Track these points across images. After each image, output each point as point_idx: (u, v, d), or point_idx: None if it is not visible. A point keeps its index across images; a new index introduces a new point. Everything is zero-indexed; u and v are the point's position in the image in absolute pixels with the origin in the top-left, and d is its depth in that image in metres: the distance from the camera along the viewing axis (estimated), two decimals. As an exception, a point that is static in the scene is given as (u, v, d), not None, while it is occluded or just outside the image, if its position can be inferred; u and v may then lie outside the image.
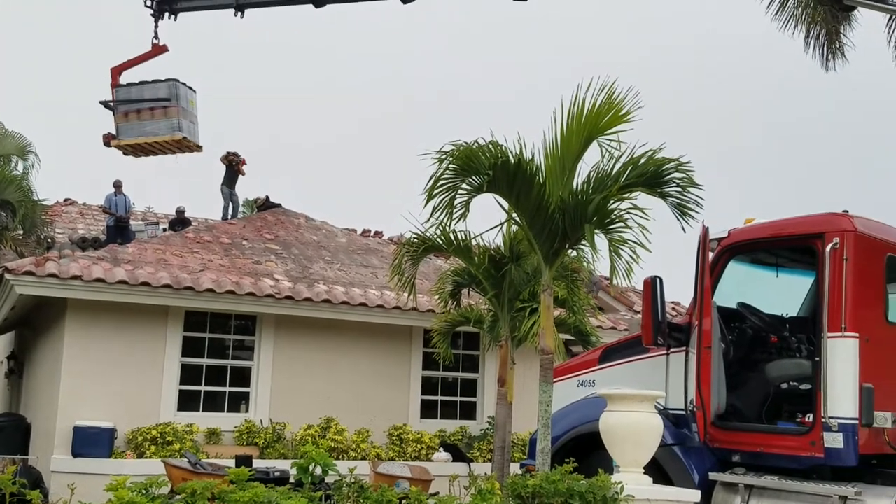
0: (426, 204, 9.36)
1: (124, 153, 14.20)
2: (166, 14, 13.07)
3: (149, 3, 13.13)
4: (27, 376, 18.89)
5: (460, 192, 9.40)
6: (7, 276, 14.35)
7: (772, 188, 64.15)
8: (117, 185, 19.51)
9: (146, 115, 13.74)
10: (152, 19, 13.26)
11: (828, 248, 8.08)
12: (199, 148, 14.25)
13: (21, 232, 20.56)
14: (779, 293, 9.71)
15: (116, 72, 13.89)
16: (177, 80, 13.73)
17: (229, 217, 20.27)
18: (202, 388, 15.16)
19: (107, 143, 14.14)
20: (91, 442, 13.71)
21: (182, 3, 12.81)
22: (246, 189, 20.84)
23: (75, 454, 13.64)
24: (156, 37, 13.40)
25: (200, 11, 12.79)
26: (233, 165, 20.49)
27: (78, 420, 13.83)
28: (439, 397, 16.86)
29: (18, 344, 20.31)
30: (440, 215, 9.46)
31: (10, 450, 15.30)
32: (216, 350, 15.42)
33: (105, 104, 14.00)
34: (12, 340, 20.98)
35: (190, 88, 13.93)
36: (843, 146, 68.74)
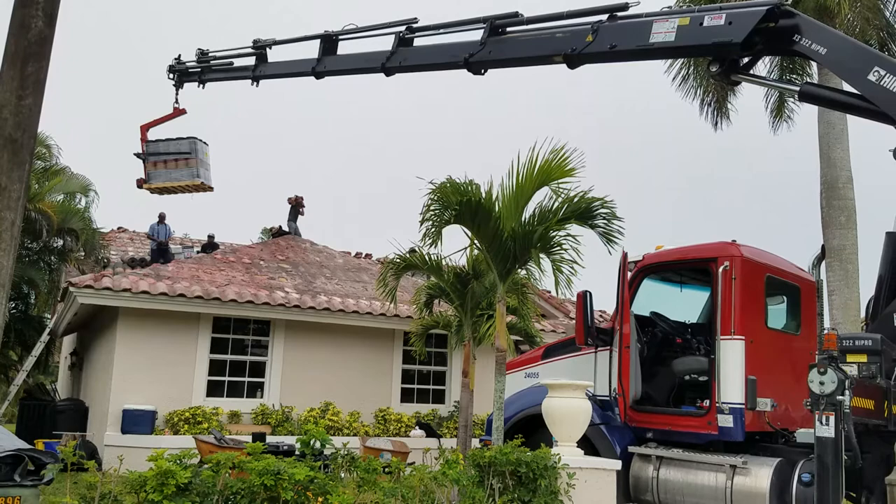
0: (420, 227, 9.28)
1: (151, 193, 14.06)
2: (195, 83, 12.86)
3: (171, 76, 12.96)
4: (86, 369, 18.57)
5: (441, 221, 9.34)
6: (71, 288, 14.16)
7: (676, 220, 64.88)
8: (161, 217, 19.29)
9: (171, 165, 13.69)
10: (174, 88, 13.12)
11: (720, 270, 8.10)
12: (211, 189, 14.18)
13: (83, 254, 20.26)
14: (682, 304, 9.72)
15: (145, 129, 13.80)
16: (195, 138, 13.74)
17: None
18: (226, 378, 14.94)
19: (139, 186, 14.01)
20: (137, 421, 13.50)
21: (207, 75, 12.62)
22: (264, 219, 20.60)
23: (124, 431, 13.41)
24: (176, 102, 13.29)
25: (222, 81, 12.57)
26: (297, 205, 20.44)
27: (126, 404, 13.62)
28: (415, 386, 16.72)
29: (79, 343, 19.98)
30: (429, 241, 9.41)
31: (71, 427, 15.02)
32: (238, 348, 15.22)
33: (137, 155, 13.87)
34: (74, 340, 20.64)
35: (205, 143, 13.90)
36: (733, 187, 69.80)
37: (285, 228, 20.57)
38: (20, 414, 17.83)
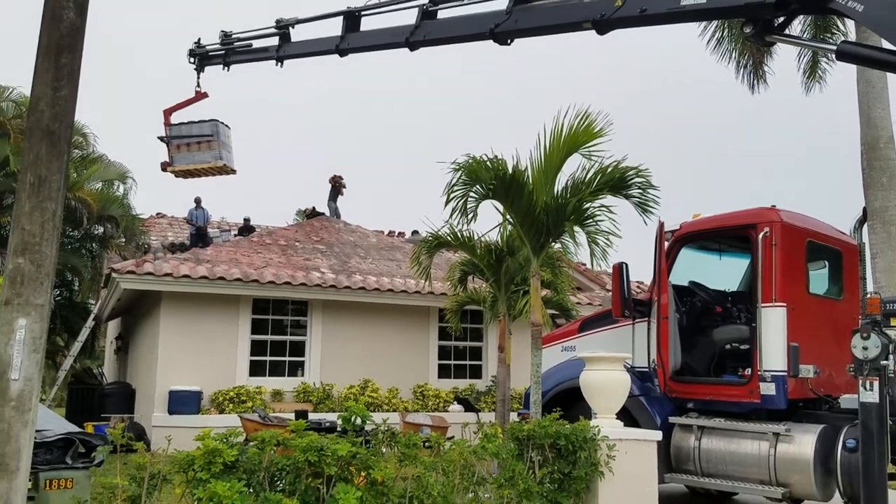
0: (445, 206, 9.15)
1: (175, 176, 14.13)
2: (220, 66, 12.80)
3: (191, 61, 12.95)
4: (131, 352, 18.95)
5: (469, 198, 9.25)
6: (114, 274, 14.41)
7: (713, 187, 63.92)
8: (197, 201, 19.50)
9: (194, 148, 13.73)
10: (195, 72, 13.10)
11: (760, 236, 7.97)
12: (234, 172, 14.20)
13: (123, 240, 20.62)
14: (721, 272, 9.59)
15: (167, 113, 13.84)
16: (217, 120, 13.74)
17: None
18: (267, 358, 15.15)
19: (163, 169, 14.10)
20: (183, 402, 13.75)
21: (231, 57, 12.53)
22: (298, 201, 20.72)
23: (171, 412, 13.67)
24: (198, 85, 13.27)
25: (247, 63, 12.47)
26: (337, 185, 20.52)
27: (172, 385, 13.87)
28: (452, 361, 16.79)
29: (124, 328, 20.39)
30: (457, 217, 9.31)
31: (119, 410, 15.38)
32: (277, 328, 15.41)
33: (161, 139, 13.94)
34: (119, 325, 21.07)
35: (226, 126, 13.91)
36: (768, 152, 68.55)
37: (321, 209, 20.67)
38: (69, 398, 18.31)
